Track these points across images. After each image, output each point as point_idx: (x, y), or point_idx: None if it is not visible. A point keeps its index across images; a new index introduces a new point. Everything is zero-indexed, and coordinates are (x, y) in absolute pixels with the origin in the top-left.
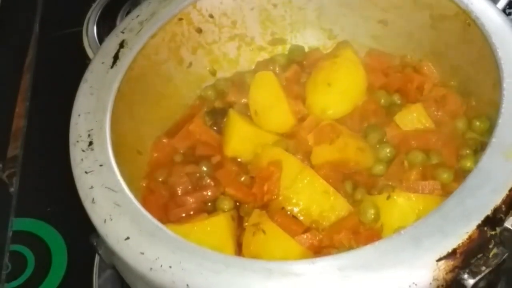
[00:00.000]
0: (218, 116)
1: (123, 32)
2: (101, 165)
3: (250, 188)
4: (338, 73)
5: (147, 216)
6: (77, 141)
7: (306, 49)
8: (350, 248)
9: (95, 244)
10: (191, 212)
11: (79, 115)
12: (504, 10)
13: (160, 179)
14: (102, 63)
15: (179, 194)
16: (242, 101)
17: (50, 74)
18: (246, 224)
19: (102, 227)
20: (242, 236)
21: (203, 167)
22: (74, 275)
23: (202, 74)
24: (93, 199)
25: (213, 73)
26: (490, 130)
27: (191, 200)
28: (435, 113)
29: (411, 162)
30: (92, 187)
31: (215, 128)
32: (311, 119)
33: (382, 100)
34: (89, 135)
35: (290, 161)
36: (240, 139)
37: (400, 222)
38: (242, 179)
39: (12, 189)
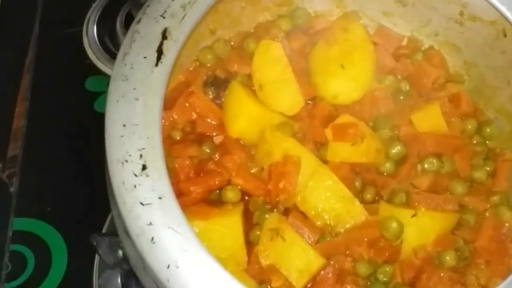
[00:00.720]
0: (219, 87)
1: (163, 17)
2: (160, 198)
3: (260, 180)
4: (353, 55)
5: (217, 268)
6: (126, 161)
7: (311, 12)
8: (369, 261)
9: (95, 244)
10: (196, 202)
11: (124, 125)
12: None
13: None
14: (144, 57)
15: (182, 180)
16: (245, 72)
17: (50, 74)
18: (256, 222)
19: (163, 272)
20: (251, 233)
21: (206, 148)
22: (74, 275)
23: (201, 32)
24: (152, 239)
25: (213, 31)
26: (498, 138)
27: (196, 189)
28: (448, 113)
29: (426, 169)
30: (151, 224)
31: (216, 101)
32: (323, 106)
33: (391, 88)
34: (141, 156)
35: (307, 158)
36: (247, 120)
37: (420, 240)
38: (252, 170)
39: (12, 189)
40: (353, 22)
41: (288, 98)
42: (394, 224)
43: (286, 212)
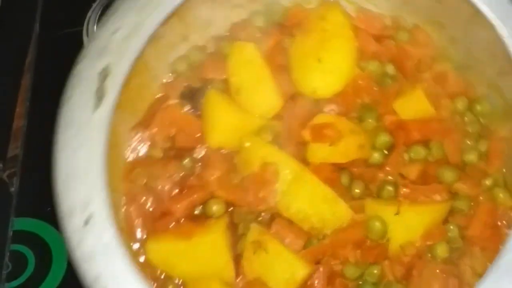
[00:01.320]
0: (196, 97)
1: (102, 55)
2: (106, 248)
3: (242, 190)
4: (329, 46)
5: None
6: (72, 213)
7: (287, 4)
8: (356, 263)
9: None
10: (181, 220)
11: (67, 175)
12: None
13: (141, 182)
14: (85, 101)
15: (165, 200)
16: (221, 77)
17: (50, 74)
18: (241, 233)
19: None
20: (237, 245)
21: (187, 163)
22: (74, 275)
23: (172, 41)
24: None
25: (186, 37)
26: (491, 114)
27: (179, 208)
28: (434, 93)
29: (413, 158)
30: (99, 276)
31: (194, 111)
32: (302, 105)
33: (375, 73)
34: (86, 207)
35: (286, 163)
36: (224, 127)
37: (407, 236)
38: (234, 181)
39: (12, 189)
40: (331, 9)
41: (265, 100)
42: (377, 224)
43: (271, 219)
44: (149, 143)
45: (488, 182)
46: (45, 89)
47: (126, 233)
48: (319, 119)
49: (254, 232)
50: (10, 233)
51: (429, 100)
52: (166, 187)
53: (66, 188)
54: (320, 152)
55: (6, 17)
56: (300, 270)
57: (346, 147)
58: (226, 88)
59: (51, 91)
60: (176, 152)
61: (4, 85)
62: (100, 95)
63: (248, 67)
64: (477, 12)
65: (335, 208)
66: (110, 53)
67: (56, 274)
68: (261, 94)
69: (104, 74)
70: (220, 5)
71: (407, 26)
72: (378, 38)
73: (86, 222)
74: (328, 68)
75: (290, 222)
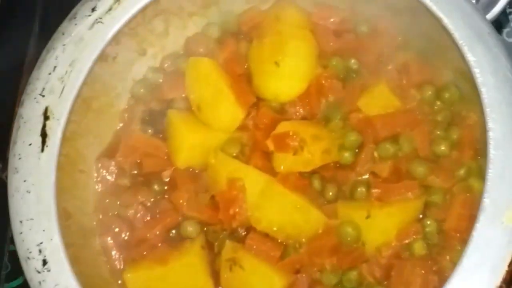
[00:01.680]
0: (158, 120)
1: (43, 95)
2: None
3: (213, 208)
4: (287, 48)
5: None
6: (28, 258)
7: (240, 11)
8: (333, 270)
9: None
10: (156, 245)
11: (20, 221)
12: (504, 10)
13: (113, 213)
14: (30, 144)
15: (138, 227)
16: (181, 96)
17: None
18: (217, 251)
19: None
20: (215, 263)
21: (156, 188)
22: None
23: (129, 58)
24: None
25: (144, 52)
26: (460, 100)
27: (153, 233)
28: (399, 85)
29: (382, 156)
30: None
31: (157, 134)
32: (264, 113)
33: (339, 70)
34: (40, 251)
35: (252, 176)
36: (190, 148)
37: (382, 238)
38: (203, 200)
39: None
40: (286, 8)
41: (226, 113)
42: (349, 229)
43: (246, 234)
44: (116, 171)
45: (462, 172)
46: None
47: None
48: (281, 128)
49: (228, 249)
50: (10, 233)
51: (394, 93)
52: (138, 215)
53: (21, 233)
54: (285, 162)
55: (6, 17)
56: (278, 282)
57: (310, 155)
58: (188, 106)
59: None
60: (144, 178)
61: (4, 85)
62: (44, 137)
63: (205, 82)
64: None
65: (308, 216)
66: (50, 94)
67: None
68: (222, 108)
69: (45, 115)
70: (174, 15)
71: (365, 17)
72: (338, 33)
73: (43, 265)
74: (287, 72)
75: (265, 235)
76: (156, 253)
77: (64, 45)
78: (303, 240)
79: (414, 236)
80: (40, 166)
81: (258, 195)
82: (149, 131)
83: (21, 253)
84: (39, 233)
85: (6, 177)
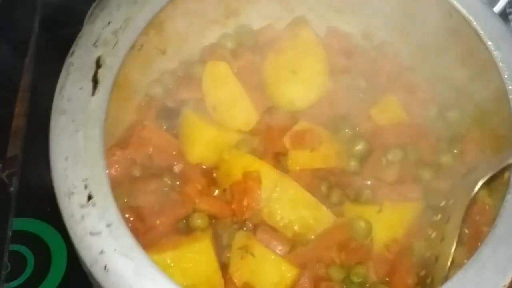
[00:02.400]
0: (171, 117)
1: (96, 46)
2: (108, 225)
3: (224, 201)
4: (303, 58)
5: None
6: (72, 193)
7: (257, 27)
8: (341, 265)
9: None
10: (165, 234)
11: (66, 158)
12: (504, 10)
13: (122, 201)
14: (80, 88)
15: (148, 216)
16: (196, 97)
17: (50, 74)
18: (226, 243)
19: None
20: (223, 255)
21: (167, 180)
22: (74, 275)
23: (150, 55)
24: (105, 267)
25: (163, 51)
26: (461, 120)
27: (162, 222)
28: (406, 102)
29: (390, 161)
30: (102, 252)
31: (172, 131)
32: (278, 117)
33: (348, 88)
34: (86, 186)
35: (267, 171)
36: (204, 144)
37: (390, 234)
38: (215, 193)
39: (12, 189)
40: (301, 27)
41: (242, 114)
42: (362, 224)
43: (255, 228)
44: (127, 162)
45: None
46: (45, 89)
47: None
48: (299, 127)
49: (241, 238)
50: (10, 233)
51: (402, 107)
52: (148, 204)
53: (65, 170)
54: (301, 159)
55: (6, 17)
56: (288, 272)
57: (326, 153)
58: (200, 107)
59: (51, 91)
60: (154, 170)
61: (4, 85)
62: (95, 82)
63: (222, 84)
64: (450, 16)
65: (317, 213)
66: (104, 45)
67: (55, 275)
68: (237, 109)
69: (98, 63)
70: (197, 19)
71: (376, 41)
72: (348, 54)
73: (88, 200)
74: (303, 79)
75: (274, 230)
76: (166, 240)
77: (119, 4)
78: (312, 237)
79: (418, 236)
80: (90, 108)
81: (271, 189)
82: (163, 125)
83: (64, 190)
84: (85, 169)
85: (6, 177)
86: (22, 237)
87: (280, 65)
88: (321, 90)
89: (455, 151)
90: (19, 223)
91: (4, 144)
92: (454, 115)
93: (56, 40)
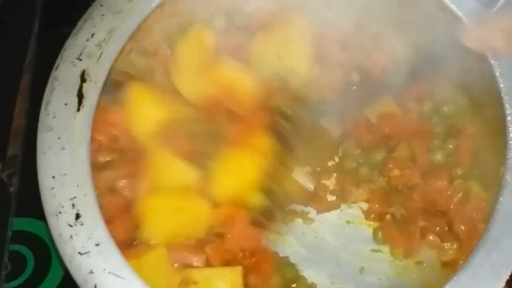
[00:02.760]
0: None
1: (80, 59)
2: (97, 245)
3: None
4: (291, 46)
5: None
6: (59, 212)
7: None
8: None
9: None
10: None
11: (53, 177)
12: None
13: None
14: (65, 104)
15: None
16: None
17: (50, 74)
18: None
19: None
20: None
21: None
22: None
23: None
24: (95, 286)
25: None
26: (457, 114)
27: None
28: (399, 98)
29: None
30: (92, 272)
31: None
32: None
33: (341, 82)
34: (73, 205)
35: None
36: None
37: None
38: None
39: (12, 189)
40: (297, 15)
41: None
42: None
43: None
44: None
45: (459, 173)
46: (45, 89)
47: None
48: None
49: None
50: (10, 233)
51: (396, 103)
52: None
53: (52, 188)
54: None
55: (6, 17)
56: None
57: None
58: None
59: None
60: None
61: (4, 85)
62: (80, 97)
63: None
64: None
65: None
66: (88, 58)
67: (55, 275)
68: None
69: (83, 77)
70: (191, 19)
71: (369, 34)
72: (343, 47)
73: (76, 219)
74: (286, 66)
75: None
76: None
77: (102, 15)
78: None
79: None
80: (76, 124)
81: None
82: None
83: (51, 209)
84: (72, 188)
85: (6, 177)
86: (22, 237)
87: (267, 47)
88: (304, 77)
89: (451, 146)
90: (19, 223)
91: (4, 144)
92: (449, 110)
93: (56, 40)
